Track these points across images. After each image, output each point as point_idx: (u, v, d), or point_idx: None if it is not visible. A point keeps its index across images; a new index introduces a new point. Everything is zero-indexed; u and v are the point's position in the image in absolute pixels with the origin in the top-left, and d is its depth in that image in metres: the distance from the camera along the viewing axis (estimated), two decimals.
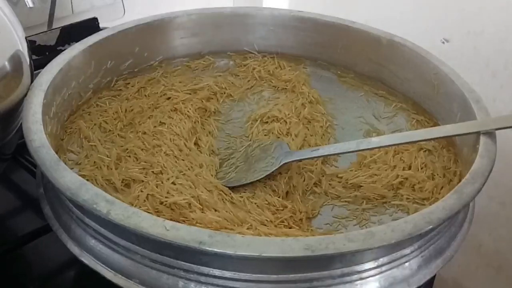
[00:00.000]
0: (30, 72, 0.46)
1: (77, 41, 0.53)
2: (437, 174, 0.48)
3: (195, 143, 0.52)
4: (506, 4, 0.67)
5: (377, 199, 0.47)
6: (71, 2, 0.75)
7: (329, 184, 0.48)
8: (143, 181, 0.44)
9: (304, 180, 0.48)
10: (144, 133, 0.51)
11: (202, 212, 0.41)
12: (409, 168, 0.49)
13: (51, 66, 0.48)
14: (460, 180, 0.40)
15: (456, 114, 0.49)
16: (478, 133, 0.43)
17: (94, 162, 0.47)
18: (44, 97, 0.44)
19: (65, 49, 0.51)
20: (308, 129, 0.55)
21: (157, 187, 0.43)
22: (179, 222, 0.37)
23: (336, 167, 0.51)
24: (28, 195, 0.54)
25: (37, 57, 0.62)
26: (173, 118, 0.53)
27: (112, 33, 0.55)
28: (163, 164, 0.46)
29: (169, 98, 0.57)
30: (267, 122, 0.55)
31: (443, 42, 0.74)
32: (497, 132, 0.43)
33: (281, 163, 0.48)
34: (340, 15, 0.61)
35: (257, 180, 0.47)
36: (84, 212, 0.37)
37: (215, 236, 0.31)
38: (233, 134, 0.55)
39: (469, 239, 0.41)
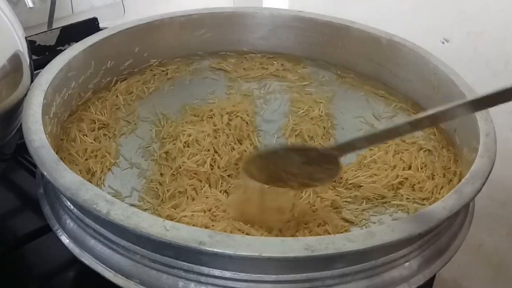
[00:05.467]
0: (30, 72, 0.46)
1: (77, 41, 0.53)
2: (437, 174, 0.48)
3: None
4: (506, 4, 0.67)
5: (377, 199, 0.47)
6: (71, 2, 0.75)
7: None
8: None
9: None
10: None
11: None
12: (409, 168, 0.49)
13: (51, 66, 0.48)
14: (460, 180, 0.40)
15: None
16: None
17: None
18: (44, 97, 0.44)
19: (65, 49, 0.51)
20: (308, 129, 0.55)
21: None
22: None
23: None
24: (28, 195, 0.54)
25: (37, 57, 0.62)
26: None
27: (112, 33, 0.55)
28: None
29: None
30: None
31: (443, 42, 0.74)
32: (497, 132, 0.43)
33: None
34: (340, 15, 0.61)
35: None
36: (84, 212, 0.37)
37: (215, 236, 0.31)
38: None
39: (469, 239, 0.41)
